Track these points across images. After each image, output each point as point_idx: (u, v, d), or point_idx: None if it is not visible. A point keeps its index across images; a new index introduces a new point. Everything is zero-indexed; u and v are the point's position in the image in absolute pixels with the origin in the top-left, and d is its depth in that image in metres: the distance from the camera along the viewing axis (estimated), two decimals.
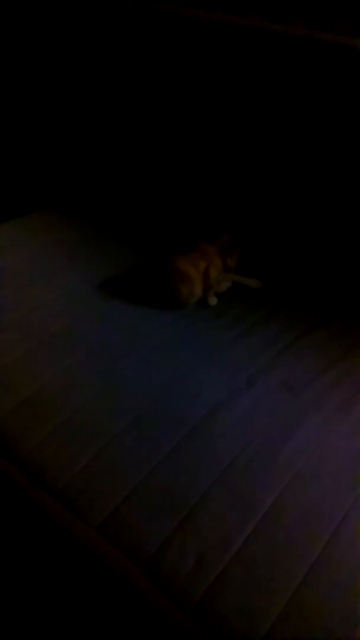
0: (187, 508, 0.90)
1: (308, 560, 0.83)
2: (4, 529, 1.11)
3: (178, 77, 1.49)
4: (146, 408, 1.06)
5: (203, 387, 1.10)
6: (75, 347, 1.19)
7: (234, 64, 1.37)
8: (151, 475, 0.95)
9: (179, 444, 0.99)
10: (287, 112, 1.31)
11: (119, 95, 1.66)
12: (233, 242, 1.37)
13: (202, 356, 1.17)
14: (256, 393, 1.08)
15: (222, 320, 1.25)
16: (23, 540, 1.08)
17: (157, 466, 0.96)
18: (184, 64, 1.47)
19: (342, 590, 0.80)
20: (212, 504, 0.90)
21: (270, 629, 0.76)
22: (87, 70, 1.71)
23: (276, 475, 0.94)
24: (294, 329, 1.22)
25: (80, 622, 0.98)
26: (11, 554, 1.11)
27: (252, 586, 0.81)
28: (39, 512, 0.95)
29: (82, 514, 0.92)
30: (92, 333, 1.23)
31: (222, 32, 1.36)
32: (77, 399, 1.07)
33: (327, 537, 0.85)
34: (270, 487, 0.92)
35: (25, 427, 1.03)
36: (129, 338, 1.22)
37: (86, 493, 0.94)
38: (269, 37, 1.29)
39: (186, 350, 1.18)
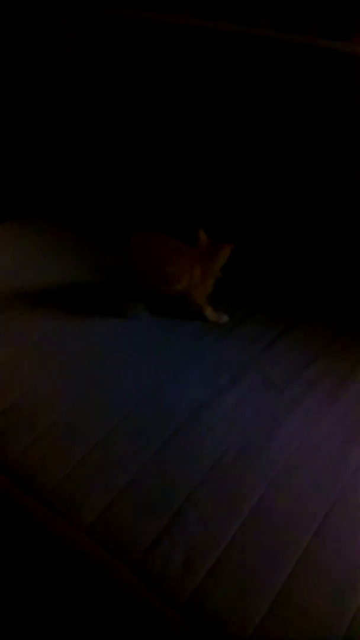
0: (174, 507, 0.90)
1: (295, 555, 0.84)
2: None
3: (173, 88, 1.49)
4: (131, 410, 1.06)
5: (187, 387, 1.11)
6: (57, 351, 1.19)
7: (232, 73, 1.37)
8: (138, 476, 0.95)
9: (165, 444, 1.00)
10: (287, 120, 1.31)
11: (111, 102, 1.65)
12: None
13: (185, 357, 1.18)
14: (240, 391, 1.09)
15: (203, 322, 1.26)
16: (11, 546, 1.08)
17: (143, 467, 0.96)
18: (180, 74, 1.47)
19: (329, 582, 0.81)
20: (199, 503, 0.91)
21: (260, 623, 0.77)
22: (79, 77, 1.70)
23: (261, 471, 0.95)
24: (274, 328, 1.23)
25: (71, 623, 0.98)
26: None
27: (241, 582, 0.82)
28: (26, 517, 0.95)
29: (70, 518, 0.92)
30: (74, 337, 1.23)
31: (219, 41, 1.37)
32: (61, 404, 1.07)
33: (312, 530, 0.87)
34: (256, 483, 0.93)
35: (9, 434, 1.03)
36: (111, 341, 1.22)
37: (73, 496, 0.94)
38: (268, 45, 1.30)
39: (169, 352, 1.19)
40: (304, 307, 1.30)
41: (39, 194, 1.82)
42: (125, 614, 0.86)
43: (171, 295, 1.27)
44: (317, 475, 0.95)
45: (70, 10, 1.65)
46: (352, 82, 1.21)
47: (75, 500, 0.93)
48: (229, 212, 1.44)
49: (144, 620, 0.83)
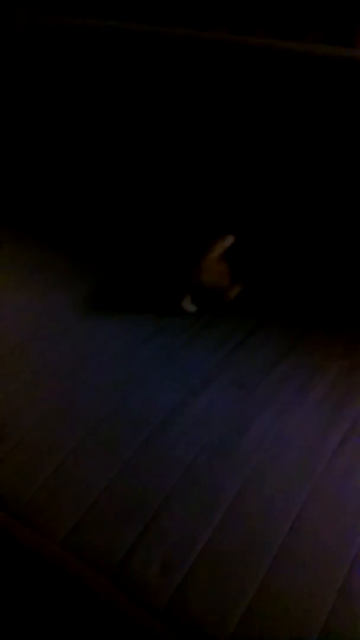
0: (150, 513, 0.90)
1: (272, 550, 0.84)
2: None
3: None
4: (103, 418, 1.06)
5: (159, 391, 1.11)
6: (27, 364, 1.19)
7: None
8: (112, 484, 0.95)
9: (138, 450, 1.00)
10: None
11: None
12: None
13: (155, 362, 1.17)
14: (211, 393, 1.10)
15: (171, 327, 1.26)
16: None
17: (117, 475, 0.96)
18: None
19: (307, 575, 0.81)
20: (174, 506, 0.91)
21: (239, 622, 0.77)
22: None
23: (235, 471, 0.95)
24: (241, 329, 1.24)
25: (50, 635, 0.97)
26: None
27: (219, 582, 0.82)
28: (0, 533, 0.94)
29: (43, 530, 0.91)
30: (43, 349, 1.22)
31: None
32: (32, 416, 1.06)
33: (288, 524, 0.87)
34: (230, 483, 0.93)
35: None
36: (80, 351, 1.21)
37: (47, 509, 0.93)
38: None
39: (139, 358, 1.18)
40: (270, 307, 1.31)
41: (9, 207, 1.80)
42: (105, 624, 0.85)
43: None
44: (290, 469, 0.95)
45: (14, 20, 1.64)
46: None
47: (48, 513, 0.92)
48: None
49: (124, 629, 0.82)
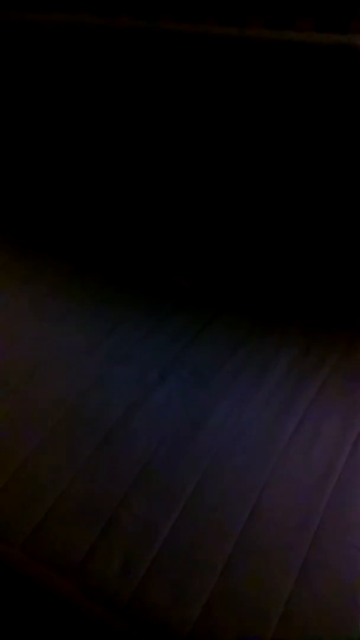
0: (109, 511, 0.89)
1: (231, 541, 0.84)
2: None
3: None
4: (61, 418, 1.04)
5: (116, 388, 1.10)
6: None
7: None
8: (71, 485, 0.94)
9: (97, 448, 0.99)
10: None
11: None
12: None
13: (112, 358, 1.17)
14: (169, 386, 1.09)
15: (127, 323, 1.25)
16: None
17: (75, 475, 0.95)
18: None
19: (266, 563, 0.82)
20: (134, 503, 0.90)
21: (200, 615, 0.77)
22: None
23: (193, 463, 0.95)
24: (197, 321, 1.24)
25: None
26: None
27: (180, 575, 0.81)
28: None
29: (3, 536, 0.89)
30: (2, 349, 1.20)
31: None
32: None
33: (247, 514, 0.87)
34: (190, 475, 0.93)
35: None
36: (38, 349, 1.20)
37: (6, 514, 0.92)
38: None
39: (95, 356, 1.17)
40: (224, 299, 1.31)
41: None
42: (67, 624, 0.85)
43: None
44: (248, 457, 0.96)
45: None
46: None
47: (7, 518, 0.91)
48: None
49: (86, 629, 0.82)
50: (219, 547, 0.84)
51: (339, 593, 0.78)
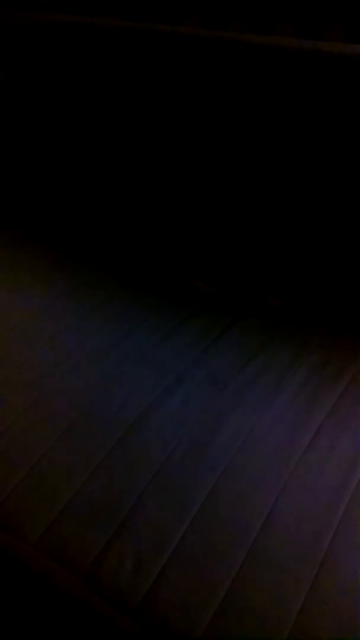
0: (123, 513, 0.90)
1: (243, 549, 0.84)
2: None
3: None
4: (76, 419, 1.05)
5: (133, 390, 1.10)
6: (2, 362, 1.18)
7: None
8: (85, 485, 0.94)
9: (112, 450, 0.99)
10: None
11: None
12: None
13: (129, 361, 1.17)
14: (185, 390, 1.09)
15: (145, 325, 1.26)
16: None
17: (90, 476, 0.95)
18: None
19: (277, 576, 0.81)
20: (147, 506, 0.91)
21: (211, 621, 0.77)
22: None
23: (208, 469, 0.95)
24: (215, 327, 1.24)
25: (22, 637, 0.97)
26: None
27: (191, 581, 0.82)
28: None
29: (17, 533, 0.90)
30: (15, 350, 1.21)
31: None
32: (5, 419, 1.05)
33: (260, 523, 0.87)
34: (203, 481, 0.93)
35: None
36: (55, 350, 1.20)
37: (20, 512, 0.92)
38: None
39: (113, 357, 1.18)
40: (244, 306, 1.31)
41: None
42: (77, 624, 0.85)
43: None
44: (263, 466, 0.95)
45: None
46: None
47: (21, 515, 0.92)
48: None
49: (97, 629, 0.82)
50: (232, 554, 0.84)
51: (352, 607, 0.77)
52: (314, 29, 1.32)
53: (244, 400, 1.06)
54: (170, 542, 0.86)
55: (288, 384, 1.09)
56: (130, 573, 0.83)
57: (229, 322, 1.25)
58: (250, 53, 1.23)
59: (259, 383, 1.10)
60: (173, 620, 0.78)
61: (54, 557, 0.87)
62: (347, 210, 1.23)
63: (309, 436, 0.99)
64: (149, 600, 0.80)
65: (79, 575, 0.85)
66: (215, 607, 0.78)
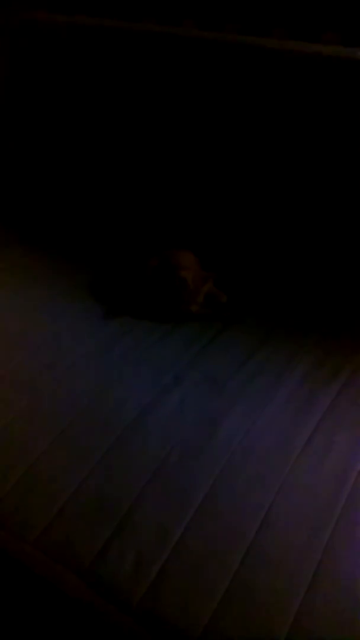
0: (122, 511, 0.90)
1: (242, 548, 0.84)
2: None
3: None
4: (74, 418, 1.05)
5: (131, 389, 1.11)
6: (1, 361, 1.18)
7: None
8: (84, 484, 0.94)
9: (110, 449, 0.99)
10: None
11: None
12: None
13: (127, 360, 1.18)
14: (183, 390, 1.10)
15: (143, 325, 1.26)
16: None
17: (89, 475, 0.96)
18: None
19: (275, 575, 0.82)
20: (146, 504, 0.91)
21: (210, 620, 0.77)
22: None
23: (207, 467, 0.95)
24: (213, 327, 1.25)
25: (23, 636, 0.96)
26: None
27: (191, 579, 0.82)
28: None
29: (16, 532, 0.90)
30: (14, 348, 1.21)
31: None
32: (3, 418, 1.05)
33: (259, 521, 0.88)
34: (202, 479, 0.94)
35: None
36: (52, 350, 1.21)
37: (19, 511, 0.92)
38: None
39: (111, 357, 1.18)
40: (240, 304, 1.32)
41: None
42: (78, 622, 0.85)
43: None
44: (261, 465, 0.96)
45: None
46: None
47: (20, 514, 0.92)
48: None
49: (97, 627, 0.82)
50: (231, 552, 0.84)
51: (351, 604, 0.78)
52: (310, 32, 1.34)
53: (241, 400, 1.07)
54: (169, 541, 0.86)
55: (284, 384, 1.10)
56: (130, 571, 0.83)
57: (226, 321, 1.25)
58: (249, 54, 1.25)
59: (256, 382, 1.11)
60: (173, 619, 0.78)
61: (53, 556, 0.87)
62: (345, 210, 1.25)
63: (306, 435, 1.00)
64: (148, 598, 0.81)
65: (78, 573, 0.85)
66: (214, 606, 0.79)
